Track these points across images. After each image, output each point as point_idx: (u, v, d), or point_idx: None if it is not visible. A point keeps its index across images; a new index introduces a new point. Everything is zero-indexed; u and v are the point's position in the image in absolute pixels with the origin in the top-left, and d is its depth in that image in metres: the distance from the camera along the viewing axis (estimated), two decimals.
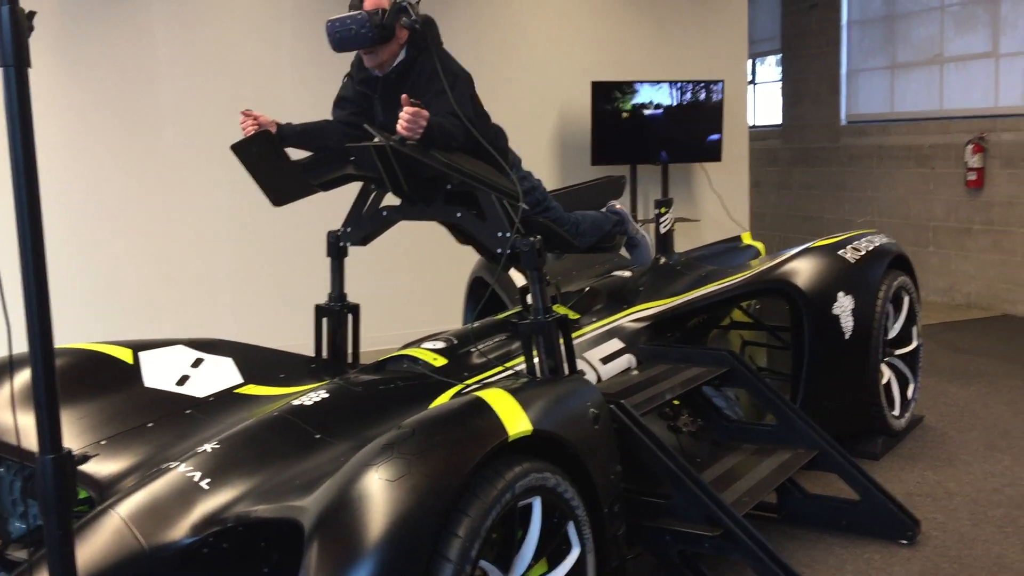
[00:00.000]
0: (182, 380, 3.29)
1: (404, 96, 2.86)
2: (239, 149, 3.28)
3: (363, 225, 3.57)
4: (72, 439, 2.83)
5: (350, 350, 3.80)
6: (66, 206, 5.83)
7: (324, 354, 3.73)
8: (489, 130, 3.35)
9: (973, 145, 7.73)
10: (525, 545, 2.30)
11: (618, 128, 7.36)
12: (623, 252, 4.72)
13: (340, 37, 3.06)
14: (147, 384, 3.23)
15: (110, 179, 6.07)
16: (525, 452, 2.32)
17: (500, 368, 3.36)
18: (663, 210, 5.02)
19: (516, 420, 2.29)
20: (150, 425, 3.00)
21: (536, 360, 3.12)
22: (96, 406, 3.07)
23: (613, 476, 2.62)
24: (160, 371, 3.30)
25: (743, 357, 4.48)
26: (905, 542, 3.45)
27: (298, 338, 4.14)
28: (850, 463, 3.56)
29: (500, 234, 3.17)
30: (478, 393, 2.43)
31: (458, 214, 3.29)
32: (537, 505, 2.29)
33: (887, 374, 4.51)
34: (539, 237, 3.16)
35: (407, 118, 2.83)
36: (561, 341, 3.16)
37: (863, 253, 4.44)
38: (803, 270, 4.27)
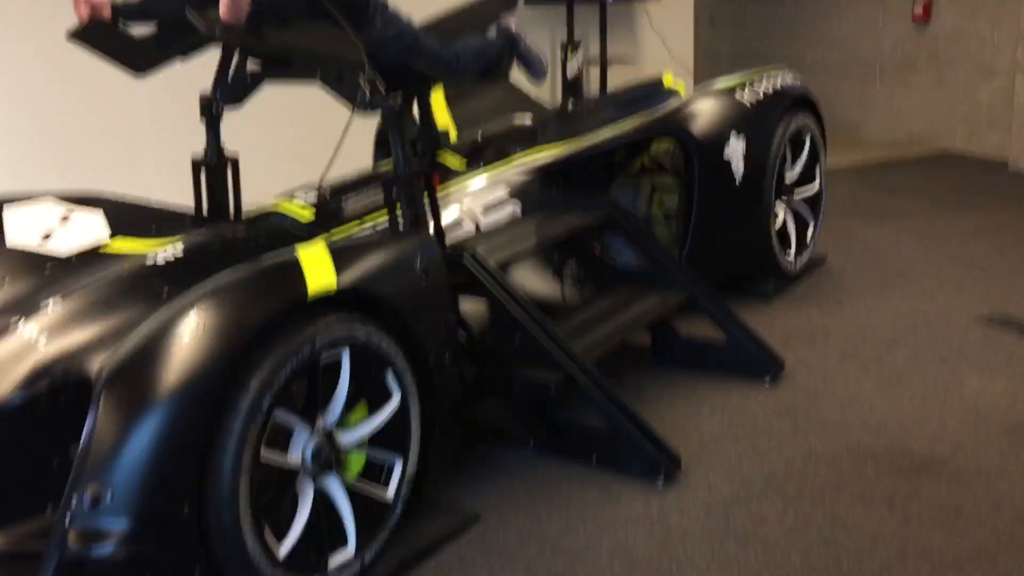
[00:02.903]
0: (46, 236, 3.29)
1: None
2: (78, 37, 3.17)
3: (230, 89, 3.49)
4: None
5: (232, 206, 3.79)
6: None
7: (204, 210, 3.72)
8: None
9: None
10: (335, 396, 2.38)
11: None
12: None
13: None
14: (8, 240, 3.23)
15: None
16: (339, 306, 2.37)
17: (362, 222, 3.37)
18: (570, 50, 4.93)
19: (321, 276, 2.32)
20: (3, 282, 3.02)
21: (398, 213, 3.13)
22: None
23: (443, 327, 2.68)
24: (24, 227, 3.29)
25: (642, 201, 4.52)
26: (768, 381, 3.56)
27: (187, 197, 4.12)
28: (717, 305, 3.64)
29: (360, 97, 3.11)
30: (297, 247, 2.45)
31: (317, 74, 3.23)
32: (345, 356, 2.36)
33: (782, 216, 4.54)
34: (399, 94, 3.11)
35: (225, 2, 2.72)
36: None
37: (761, 95, 4.38)
38: (695, 114, 4.24)
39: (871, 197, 6.38)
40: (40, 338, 2.58)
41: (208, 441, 2.08)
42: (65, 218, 3.39)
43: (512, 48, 4.15)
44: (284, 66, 3.30)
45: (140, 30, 3.37)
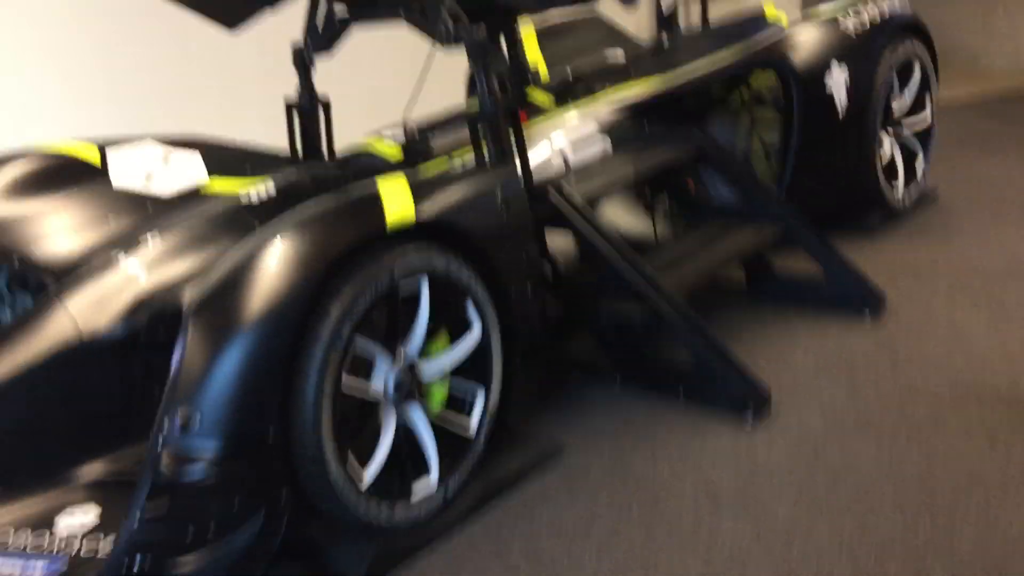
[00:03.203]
0: (148, 177, 3.41)
1: None
2: None
3: (321, 35, 3.52)
4: (42, 243, 3.00)
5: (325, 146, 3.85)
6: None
7: (299, 151, 3.79)
8: None
9: None
10: (416, 323, 2.40)
11: None
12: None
13: None
14: (114, 182, 3.36)
15: None
16: (418, 237, 2.38)
17: (449, 158, 3.37)
18: None
19: (401, 209, 2.34)
20: (108, 220, 3.14)
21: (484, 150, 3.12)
22: (65, 210, 3.23)
23: (526, 260, 2.67)
24: (127, 168, 3.41)
25: (744, 134, 4.40)
26: (869, 316, 3.44)
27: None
28: (816, 238, 3.51)
29: (444, 29, 3.10)
30: (378, 180, 2.47)
31: (401, 12, 3.22)
32: (424, 285, 2.37)
33: (889, 148, 4.34)
34: (483, 25, 3.07)
35: None
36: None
37: (866, 22, 4.17)
38: (794, 44, 4.08)
39: (989, 128, 6.04)
40: (140, 272, 2.69)
41: (291, 367, 2.13)
42: (165, 159, 3.51)
43: None
44: (369, 8, 3.31)
45: None
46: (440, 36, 3.10)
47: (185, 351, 2.10)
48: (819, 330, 3.39)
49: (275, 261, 2.15)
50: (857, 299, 3.47)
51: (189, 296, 2.27)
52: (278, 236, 2.21)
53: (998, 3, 7.73)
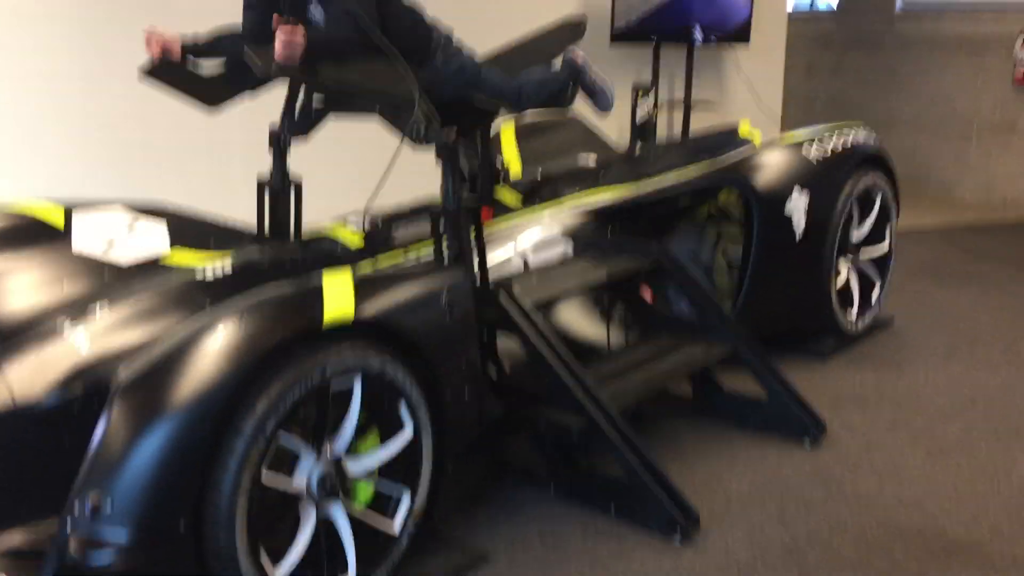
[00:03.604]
0: (110, 244, 3.43)
1: (275, 16, 2.83)
2: (150, 74, 3.33)
3: (298, 121, 3.60)
4: None
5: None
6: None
7: (266, 230, 3.83)
8: (403, 18, 3.29)
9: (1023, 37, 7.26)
10: (345, 423, 2.41)
11: (640, 6, 7.11)
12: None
13: None
14: (75, 247, 3.38)
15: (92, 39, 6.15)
16: (355, 334, 2.41)
17: (410, 252, 3.42)
18: (641, 93, 4.92)
19: (340, 306, 2.37)
20: (62, 286, 3.15)
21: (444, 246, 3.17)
22: (21, 271, 3.24)
23: (465, 364, 2.69)
24: (91, 234, 3.43)
25: (707, 248, 4.48)
26: (808, 443, 3.47)
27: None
28: (762, 361, 3.56)
29: (415, 131, 3.17)
30: (325, 273, 2.51)
31: (376, 107, 3.31)
32: (357, 385, 2.39)
33: (845, 275, 4.43)
34: (454, 129, 3.15)
35: (281, 40, 2.79)
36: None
37: (829, 151, 4.30)
38: (760, 166, 4.18)
39: (954, 260, 6.16)
40: (83, 342, 2.69)
41: (210, 459, 2.13)
42: (130, 227, 3.54)
43: (577, 79, 4.15)
44: (346, 101, 3.40)
45: (210, 66, 3.52)
46: (411, 135, 3.18)
47: (105, 432, 2.10)
48: (757, 453, 3.41)
49: (207, 350, 2.16)
50: (798, 425, 3.50)
51: (120, 374, 2.28)
52: (214, 323, 2.23)
53: (972, 136, 7.96)
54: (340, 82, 3.09)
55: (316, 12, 3.15)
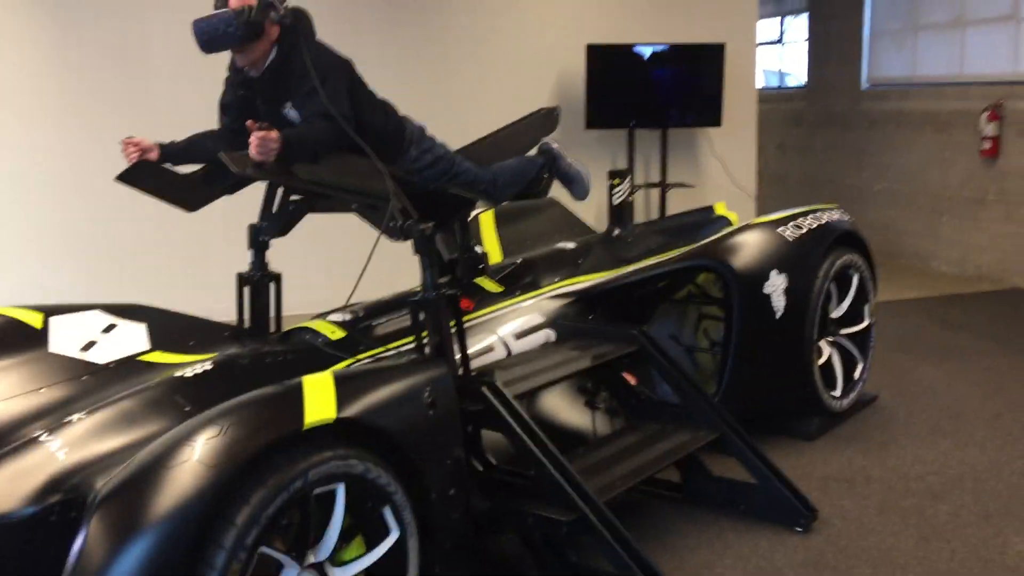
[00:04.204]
0: (88, 346, 3.39)
1: (249, 122, 2.87)
2: (125, 178, 3.35)
3: (276, 219, 3.62)
4: None
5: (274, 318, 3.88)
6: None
7: (246, 323, 3.80)
8: (376, 114, 3.33)
9: (988, 112, 7.43)
10: (328, 530, 2.35)
11: (613, 92, 7.26)
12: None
13: (208, 38, 3.00)
14: (52, 349, 3.34)
15: (76, 146, 6.20)
16: (338, 436, 2.37)
17: (392, 344, 3.40)
18: (616, 181, 4.98)
19: (321, 407, 2.34)
20: (41, 390, 3.11)
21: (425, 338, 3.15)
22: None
23: (450, 461, 2.65)
24: (68, 336, 3.39)
25: (683, 332, 4.50)
26: (799, 529, 3.42)
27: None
28: (749, 446, 3.53)
29: (392, 225, 3.19)
30: (305, 377, 2.48)
31: (353, 206, 3.33)
32: (340, 491, 2.34)
33: (827, 353, 4.44)
34: (430, 224, 3.17)
35: (255, 143, 2.82)
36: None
37: (805, 231, 4.35)
38: (737, 247, 4.22)
39: (934, 333, 6.20)
40: (60, 452, 2.63)
41: (190, 574, 2.07)
42: (108, 329, 3.50)
43: (552, 167, 4.20)
44: (322, 199, 3.43)
45: (186, 168, 3.54)
46: (389, 232, 3.19)
47: (84, 546, 2.04)
48: (749, 541, 3.36)
49: (186, 460, 2.12)
50: (789, 511, 3.46)
51: (98, 486, 2.23)
52: (192, 433, 2.19)
53: (944, 210, 8.09)
54: (315, 182, 3.11)
55: (291, 114, 3.19)
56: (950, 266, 8.06)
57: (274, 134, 2.85)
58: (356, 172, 3.15)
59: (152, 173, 3.37)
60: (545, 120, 4.37)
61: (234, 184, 3.53)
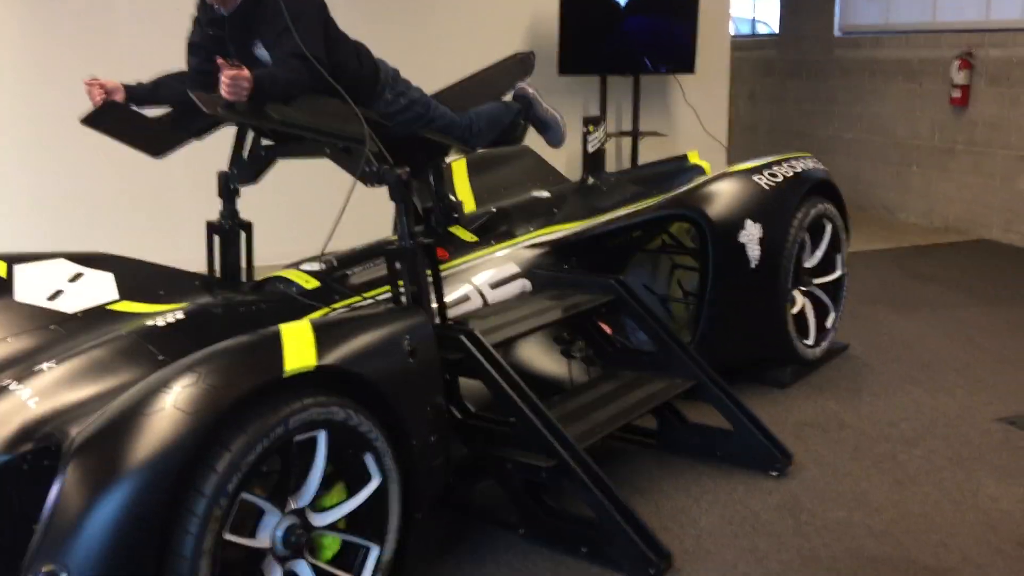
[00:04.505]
0: (55, 295, 3.31)
1: (219, 59, 2.78)
2: (90, 121, 3.23)
3: (247, 165, 3.52)
4: None
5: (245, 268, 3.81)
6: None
7: (216, 273, 3.73)
8: (349, 56, 3.25)
9: (959, 61, 7.44)
10: (309, 477, 2.33)
11: (586, 37, 7.17)
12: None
13: None
14: (17, 298, 3.25)
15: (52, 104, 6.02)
16: (317, 385, 2.33)
17: (367, 294, 3.36)
18: (591, 128, 4.93)
19: (301, 355, 2.30)
20: (7, 340, 3.03)
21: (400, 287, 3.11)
22: None
23: (430, 408, 2.63)
24: (34, 285, 3.31)
25: (656, 281, 4.49)
26: (775, 474, 3.46)
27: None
28: (726, 393, 3.55)
29: (367, 169, 3.12)
30: (282, 325, 2.43)
31: (326, 150, 3.25)
32: (322, 438, 2.31)
33: (800, 303, 4.46)
34: (406, 168, 3.11)
35: (226, 83, 2.74)
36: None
37: (780, 179, 4.33)
38: (712, 196, 4.20)
39: (902, 284, 6.25)
40: (30, 400, 2.57)
41: (170, 523, 2.04)
42: (75, 278, 3.42)
43: (528, 113, 4.14)
44: (295, 143, 3.34)
45: (153, 112, 3.44)
46: (364, 177, 3.13)
47: (59, 497, 2.00)
48: (725, 487, 3.38)
49: (164, 407, 2.08)
50: (764, 456, 3.49)
51: (72, 436, 2.18)
52: (169, 380, 2.15)
53: (912, 161, 8.12)
54: (288, 123, 3.04)
55: (262, 53, 3.10)
56: (918, 217, 8.12)
57: (245, 72, 2.77)
58: (330, 114, 3.07)
59: (118, 115, 3.27)
60: (520, 65, 4.31)
61: (202, 128, 3.44)
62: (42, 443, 2.42)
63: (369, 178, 3.11)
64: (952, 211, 7.79)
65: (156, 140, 3.44)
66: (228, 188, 3.55)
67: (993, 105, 7.32)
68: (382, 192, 3.16)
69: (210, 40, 3.17)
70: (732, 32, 8.44)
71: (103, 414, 2.15)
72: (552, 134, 4.24)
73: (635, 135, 7.47)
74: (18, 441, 2.44)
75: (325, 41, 3.08)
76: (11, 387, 2.63)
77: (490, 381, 2.97)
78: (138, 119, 3.35)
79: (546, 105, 4.20)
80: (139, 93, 3.27)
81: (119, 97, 3.22)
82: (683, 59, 7.39)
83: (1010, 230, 7.28)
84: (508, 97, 4.18)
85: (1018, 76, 7.11)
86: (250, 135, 3.47)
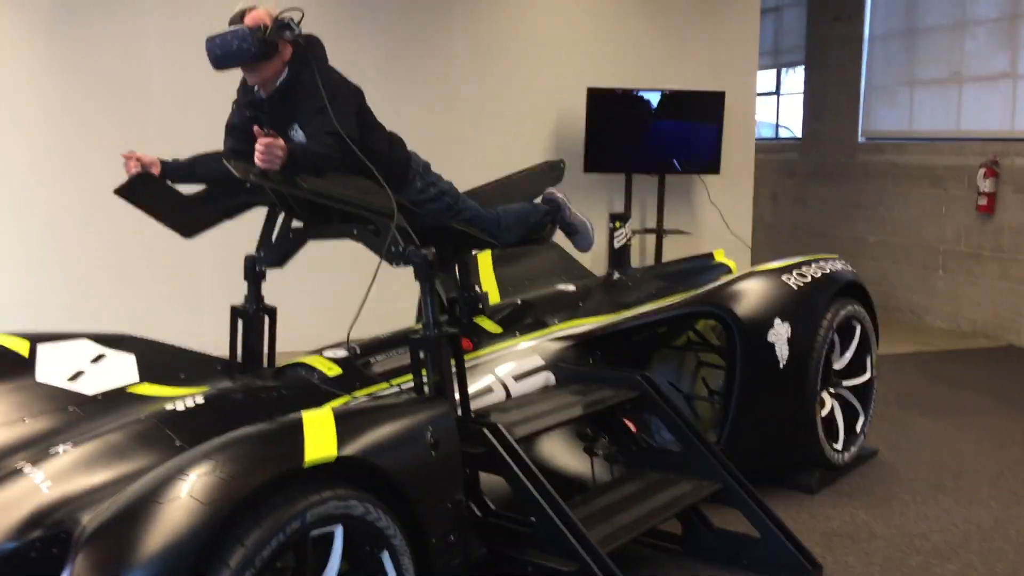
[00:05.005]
0: (76, 375, 3.28)
1: (255, 128, 2.82)
2: (124, 192, 3.27)
3: (275, 248, 3.54)
4: None
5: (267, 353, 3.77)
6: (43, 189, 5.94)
7: (239, 357, 3.70)
8: (381, 142, 3.28)
9: (985, 169, 7.45)
10: (325, 574, 2.24)
11: (613, 136, 7.25)
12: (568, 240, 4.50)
13: (220, 53, 2.99)
14: (39, 378, 3.23)
15: (87, 168, 6.13)
16: (337, 476, 2.27)
17: (391, 382, 3.31)
18: (617, 224, 4.94)
19: (322, 445, 2.24)
20: (26, 421, 3.00)
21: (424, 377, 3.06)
22: None
23: (451, 505, 2.55)
24: (56, 365, 3.29)
25: (680, 379, 4.42)
26: None
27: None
28: (752, 498, 3.44)
29: (393, 248, 3.12)
30: (304, 412, 2.38)
31: (355, 231, 3.26)
32: (339, 534, 2.24)
33: (829, 405, 4.36)
34: (432, 250, 3.10)
35: (260, 150, 2.78)
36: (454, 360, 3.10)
37: (809, 280, 4.29)
38: (741, 294, 4.15)
39: (930, 388, 6.14)
40: (43, 484, 2.52)
41: None
42: (97, 359, 3.40)
43: (556, 215, 4.15)
44: (324, 225, 3.35)
45: (187, 190, 3.47)
46: (389, 255, 3.11)
47: None
48: None
49: (177, 497, 2.01)
50: (792, 566, 3.35)
51: (83, 523, 2.12)
52: (184, 469, 2.09)
53: (939, 265, 8.08)
54: (318, 194, 3.03)
55: (298, 134, 3.14)
56: (944, 321, 8.03)
57: (280, 141, 2.81)
58: (360, 189, 3.09)
59: (152, 189, 3.30)
60: (550, 171, 4.42)
61: (234, 208, 3.45)
62: (52, 530, 2.37)
63: (395, 258, 3.09)
64: (979, 316, 7.70)
65: (188, 218, 3.46)
66: (254, 271, 3.54)
67: (1020, 212, 7.30)
68: (406, 282, 3.15)
69: (248, 122, 3.22)
70: (756, 135, 8.51)
71: (115, 502, 2.09)
72: (580, 239, 4.26)
73: (660, 233, 7.48)
74: (28, 527, 2.39)
75: (360, 126, 3.11)
76: (25, 470, 2.58)
77: (512, 477, 2.89)
78: (172, 195, 3.38)
79: (575, 210, 4.22)
80: (174, 169, 3.31)
81: (155, 171, 3.26)
82: (708, 159, 7.45)
83: None
84: (537, 200, 4.21)
85: None
86: (280, 217, 3.49)
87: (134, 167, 3.23)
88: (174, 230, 3.48)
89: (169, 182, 3.36)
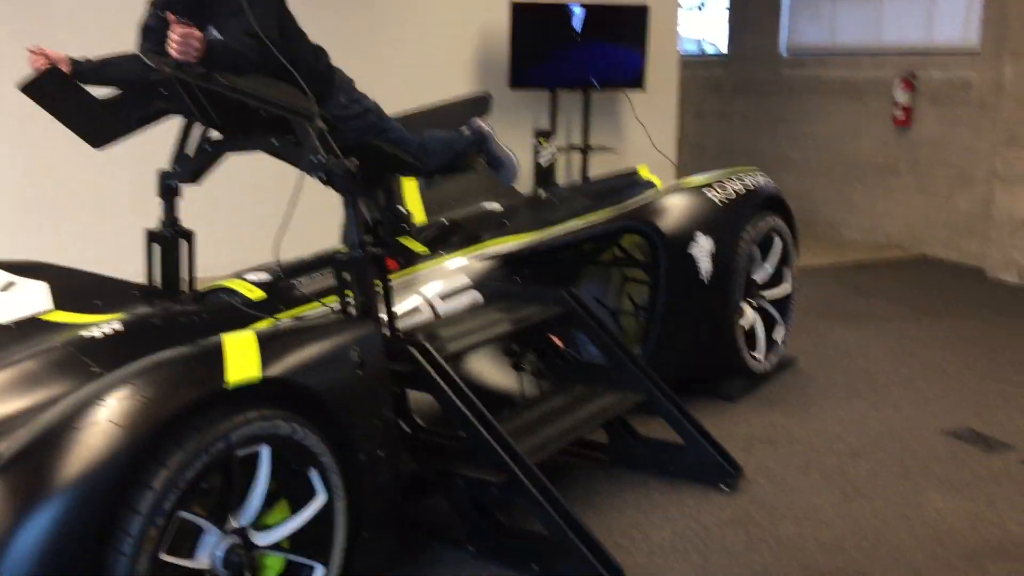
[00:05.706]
0: None
1: (170, 15, 2.70)
2: (29, 89, 3.11)
3: (190, 162, 3.41)
4: None
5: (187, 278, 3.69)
6: None
7: (157, 283, 3.61)
8: (305, 50, 3.18)
9: (902, 82, 7.57)
10: (251, 494, 2.24)
11: (537, 53, 7.15)
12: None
13: None
14: None
15: None
16: (262, 397, 2.25)
17: (315, 304, 3.27)
18: (543, 141, 4.91)
19: (244, 366, 2.21)
20: None
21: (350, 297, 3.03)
22: None
23: (379, 422, 2.56)
24: None
25: (604, 294, 4.46)
26: (725, 488, 3.44)
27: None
28: (677, 407, 3.52)
29: (314, 159, 3.02)
30: (224, 335, 2.35)
31: (274, 141, 3.15)
32: (265, 453, 2.23)
33: (751, 316, 4.46)
34: (354, 161, 3.01)
35: (176, 39, 2.66)
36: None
37: (731, 194, 4.35)
38: (664, 209, 4.19)
39: (847, 299, 6.32)
40: None
41: (103, 543, 1.94)
42: (7, 287, 3.29)
43: (481, 145, 4.12)
44: (242, 136, 3.23)
45: (99, 94, 3.32)
46: (310, 166, 3.01)
47: None
48: (675, 501, 3.36)
49: (97, 420, 1.98)
50: (715, 470, 3.47)
51: (0, 450, 2.07)
52: (104, 392, 2.05)
53: (856, 180, 8.24)
54: (236, 90, 2.91)
55: (214, 34, 3.01)
56: (861, 234, 8.23)
57: (196, 32, 2.69)
58: (280, 90, 2.98)
59: (61, 88, 3.14)
60: (477, 104, 4.39)
61: (147, 116, 3.32)
62: None
63: (315, 168, 2.98)
64: (894, 228, 7.91)
65: (99, 125, 3.30)
66: (169, 188, 3.43)
67: (936, 125, 7.46)
68: (329, 204, 3.08)
69: (164, 24, 3.08)
70: (681, 51, 8.48)
71: (33, 428, 2.04)
72: (504, 172, 4.23)
73: (585, 150, 7.46)
74: None
75: (280, 31, 3.00)
76: None
77: (440, 394, 2.90)
78: (82, 96, 3.23)
79: (500, 143, 4.18)
80: (85, 68, 3.16)
81: (64, 63, 3.12)
82: (633, 74, 7.42)
83: (950, 247, 7.41)
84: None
85: (959, 97, 7.26)
86: (195, 129, 3.36)
87: (42, 63, 3.07)
88: (83, 138, 3.32)
89: (80, 83, 3.21)
